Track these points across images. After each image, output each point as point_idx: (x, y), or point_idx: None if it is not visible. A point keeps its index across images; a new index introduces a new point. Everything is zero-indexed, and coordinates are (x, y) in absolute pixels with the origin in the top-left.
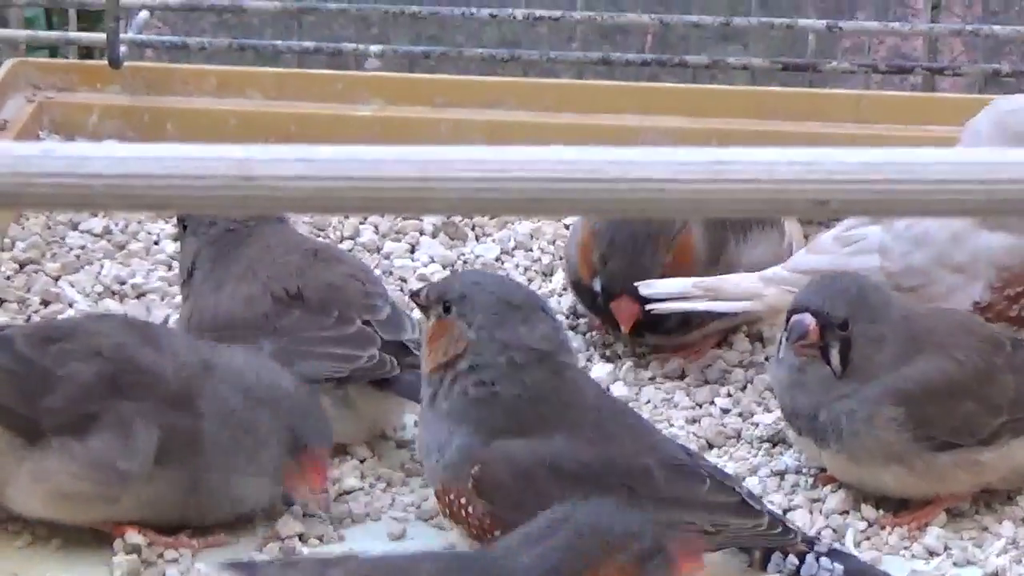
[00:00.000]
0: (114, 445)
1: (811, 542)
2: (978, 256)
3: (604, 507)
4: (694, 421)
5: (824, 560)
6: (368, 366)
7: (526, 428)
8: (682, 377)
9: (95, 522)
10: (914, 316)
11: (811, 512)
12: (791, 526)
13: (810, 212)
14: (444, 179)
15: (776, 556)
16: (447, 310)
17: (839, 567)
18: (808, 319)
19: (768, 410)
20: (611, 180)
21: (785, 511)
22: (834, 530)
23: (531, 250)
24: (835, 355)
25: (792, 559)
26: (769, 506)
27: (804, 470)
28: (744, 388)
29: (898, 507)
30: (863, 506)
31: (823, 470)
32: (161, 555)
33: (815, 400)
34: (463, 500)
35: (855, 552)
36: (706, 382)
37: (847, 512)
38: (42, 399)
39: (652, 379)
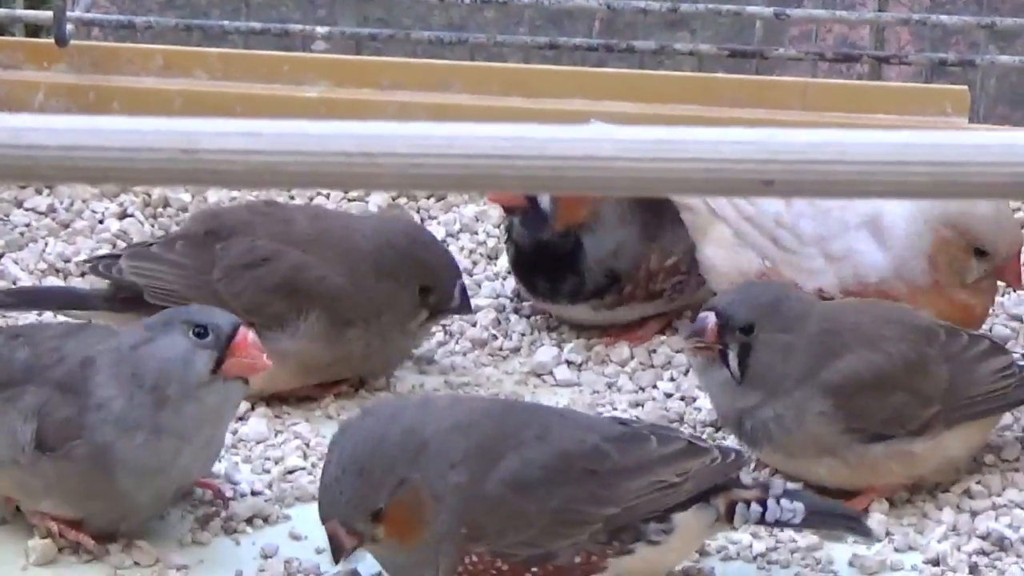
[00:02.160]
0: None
1: (765, 486)
2: (848, 256)
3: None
4: (637, 405)
5: (784, 501)
6: None
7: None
8: (626, 362)
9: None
10: (838, 314)
11: None
12: (740, 448)
13: (755, 192)
14: (388, 154)
15: (740, 507)
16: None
17: (799, 505)
18: (709, 318)
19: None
20: (555, 157)
21: None
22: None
23: (476, 233)
24: (733, 358)
25: (755, 507)
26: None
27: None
28: (687, 372)
29: (840, 496)
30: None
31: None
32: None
33: (732, 407)
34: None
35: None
36: (652, 366)
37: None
38: None
39: (599, 362)
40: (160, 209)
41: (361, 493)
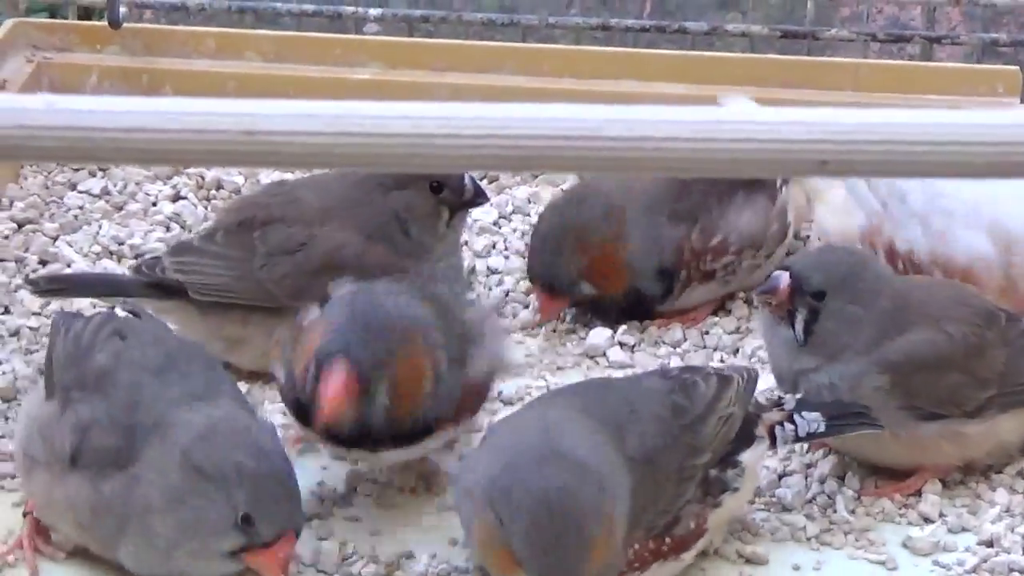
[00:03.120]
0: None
1: (780, 404)
2: (946, 233)
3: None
4: None
5: (805, 413)
6: None
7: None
8: (679, 344)
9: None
10: (909, 290)
11: (806, 477)
12: (749, 366)
13: (810, 172)
14: (444, 135)
15: (778, 430)
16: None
17: (817, 413)
18: (784, 278)
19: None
20: (611, 138)
21: (780, 476)
22: (828, 496)
23: (528, 215)
24: (800, 322)
25: (788, 426)
26: (765, 471)
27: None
28: (736, 352)
29: (891, 475)
30: (849, 475)
31: None
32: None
33: (789, 368)
34: None
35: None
36: (704, 347)
37: (840, 478)
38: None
39: (652, 344)
40: (213, 191)
41: None
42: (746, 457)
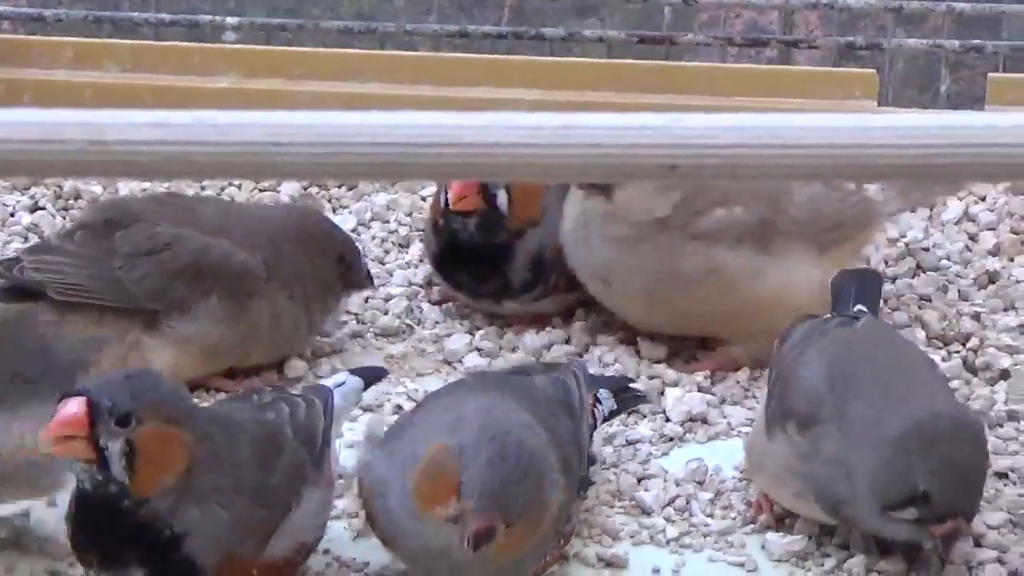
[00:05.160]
0: None
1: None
2: None
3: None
4: None
5: (603, 393)
6: None
7: None
8: (538, 350)
9: None
10: None
11: (664, 481)
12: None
13: (659, 175)
14: (297, 144)
15: (598, 408)
16: None
17: (607, 392)
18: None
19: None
20: (463, 145)
21: (639, 479)
22: (686, 499)
23: (388, 222)
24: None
25: (599, 407)
26: (625, 474)
27: (654, 440)
28: (587, 352)
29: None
30: (709, 478)
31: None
32: None
33: None
34: None
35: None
36: (564, 350)
37: (700, 483)
38: None
39: (510, 350)
40: (72, 201)
41: None
42: (595, 446)
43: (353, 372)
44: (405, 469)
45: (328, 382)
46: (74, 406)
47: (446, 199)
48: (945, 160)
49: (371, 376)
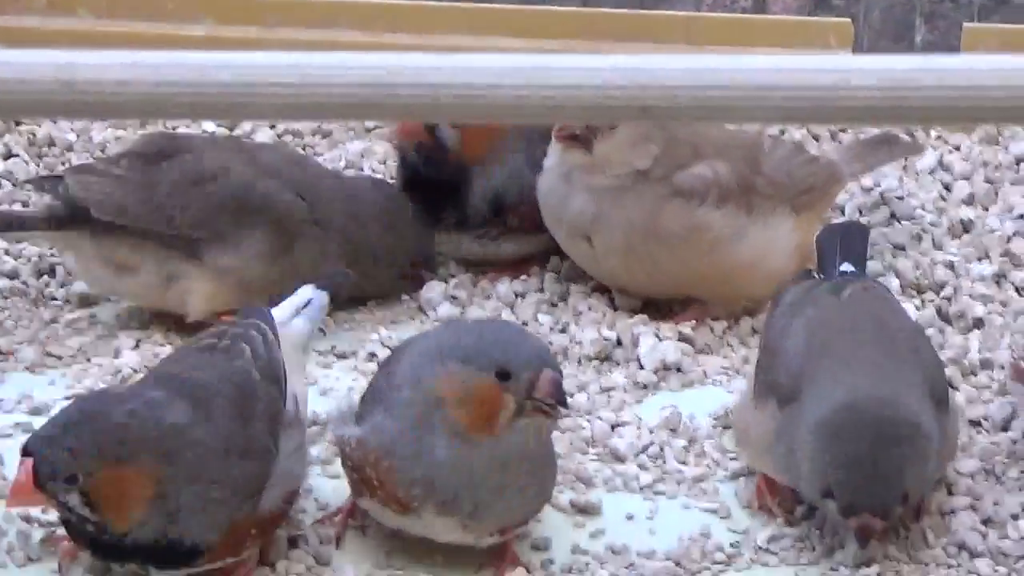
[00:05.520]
0: None
1: None
2: None
3: None
4: None
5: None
6: None
7: None
8: (510, 298)
9: None
10: None
11: (638, 428)
12: None
13: (632, 117)
14: (268, 84)
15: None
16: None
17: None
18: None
19: (594, 325)
20: (434, 85)
21: (613, 426)
22: (659, 446)
23: (362, 169)
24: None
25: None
26: (599, 421)
27: (628, 387)
28: (566, 302)
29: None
30: (683, 425)
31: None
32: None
33: None
34: None
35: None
36: (535, 300)
37: (673, 430)
38: None
39: (484, 298)
40: (45, 148)
41: None
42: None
43: (317, 285)
44: (418, 413)
45: (292, 300)
46: (22, 474)
47: None
48: (921, 103)
49: (336, 284)
